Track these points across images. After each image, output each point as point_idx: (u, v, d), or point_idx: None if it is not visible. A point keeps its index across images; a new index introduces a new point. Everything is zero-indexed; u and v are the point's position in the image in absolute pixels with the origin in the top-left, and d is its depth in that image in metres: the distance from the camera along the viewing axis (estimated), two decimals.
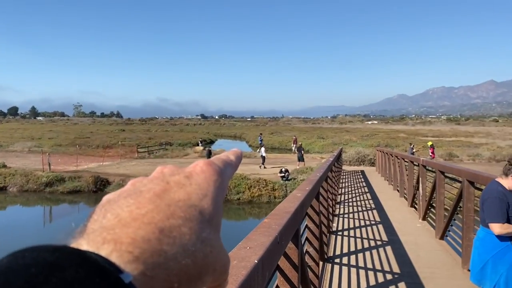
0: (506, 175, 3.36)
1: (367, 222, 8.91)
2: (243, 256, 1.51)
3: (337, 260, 6.04)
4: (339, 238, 7.47)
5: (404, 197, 11.96)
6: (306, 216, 4.40)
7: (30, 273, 0.24)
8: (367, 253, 6.40)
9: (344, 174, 20.73)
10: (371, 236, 7.58)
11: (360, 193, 13.75)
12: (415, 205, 10.21)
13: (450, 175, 7.49)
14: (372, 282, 5.13)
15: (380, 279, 5.23)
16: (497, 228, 3.23)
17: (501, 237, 3.26)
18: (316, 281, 4.28)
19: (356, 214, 9.89)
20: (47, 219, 19.07)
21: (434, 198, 7.92)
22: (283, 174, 21.39)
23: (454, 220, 6.73)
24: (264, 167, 26.04)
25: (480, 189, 5.66)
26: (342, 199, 12.43)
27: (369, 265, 5.79)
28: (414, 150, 30.25)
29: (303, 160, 26.86)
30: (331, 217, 8.17)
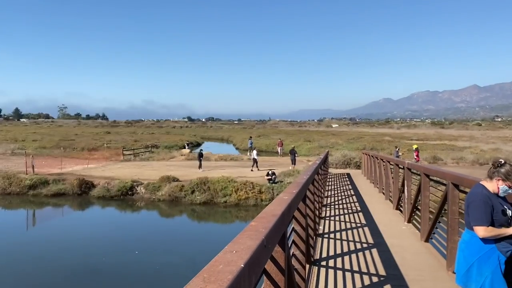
0: (491, 178, 3.39)
1: (353, 225, 8.94)
2: (229, 261, 1.49)
3: (324, 263, 6.04)
4: (325, 240, 7.47)
5: (390, 199, 12.05)
6: (293, 219, 4.39)
7: None
8: (353, 256, 6.42)
9: (331, 176, 20.81)
10: (357, 239, 7.60)
11: (346, 196, 13.81)
12: (400, 208, 10.28)
13: (435, 178, 7.56)
14: (358, 284, 5.14)
15: (366, 281, 5.24)
16: (481, 231, 3.26)
17: (486, 240, 3.29)
18: (302, 284, 4.27)
19: (342, 217, 9.92)
20: (30, 223, 18.73)
21: (419, 201, 7.98)
22: (270, 177, 21.38)
23: (439, 222, 6.78)
24: (258, 169, 26.14)
25: (465, 192, 5.72)
26: (329, 201, 12.47)
27: (355, 268, 5.80)
28: (399, 154, 30.52)
29: (295, 163, 27.08)
30: (317, 219, 8.18)
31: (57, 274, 11.37)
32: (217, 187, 20.52)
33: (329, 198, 13.20)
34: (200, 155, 27.59)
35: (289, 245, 3.82)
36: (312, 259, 6.02)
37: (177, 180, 21.99)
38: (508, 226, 3.28)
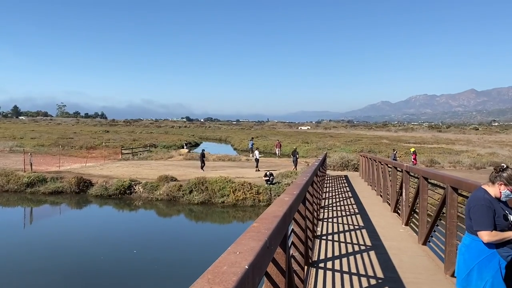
0: (493, 182, 3.39)
1: (351, 227, 8.95)
2: (233, 262, 1.49)
3: (322, 265, 6.05)
4: (323, 242, 7.48)
5: (387, 202, 12.07)
6: (292, 221, 4.40)
7: None
8: (351, 258, 6.43)
9: (328, 178, 20.83)
10: (355, 241, 7.62)
11: (344, 198, 13.83)
12: (398, 211, 10.30)
13: (433, 181, 7.58)
14: (356, 286, 5.14)
15: (364, 283, 5.25)
16: (485, 236, 3.26)
17: (487, 244, 3.30)
18: (301, 285, 4.28)
19: (340, 219, 9.93)
20: (28, 221, 18.68)
21: (417, 203, 8.00)
22: (267, 178, 21.39)
23: (437, 225, 6.80)
24: (258, 170, 26.34)
25: (463, 196, 5.75)
26: (326, 203, 12.49)
27: (353, 270, 5.81)
28: (397, 157, 30.61)
29: (295, 164, 27.20)
30: (315, 221, 8.19)
31: (55, 273, 11.35)
32: (215, 187, 20.52)
33: (327, 200, 13.22)
34: (203, 155, 27.59)
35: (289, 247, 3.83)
36: (310, 261, 6.03)
37: (175, 179, 21.98)
38: (509, 230, 3.29)
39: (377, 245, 7.23)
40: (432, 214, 6.83)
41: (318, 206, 9.69)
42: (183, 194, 20.63)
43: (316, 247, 7.07)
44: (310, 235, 6.29)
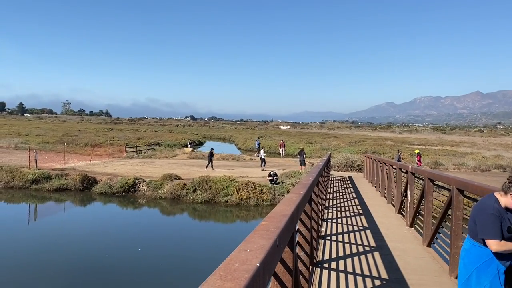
0: (506, 192, 3.36)
1: (355, 228, 8.95)
2: (244, 259, 1.50)
3: (326, 265, 6.05)
4: (327, 242, 7.48)
5: (392, 203, 12.05)
6: (298, 220, 4.40)
7: None
8: (356, 259, 6.42)
9: (332, 179, 20.81)
10: (359, 242, 7.61)
11: (348, 199, 13.81)
12: (403, 212, 10.28)
13: (439, 183, 7.57)
14: (361, 287, 5.15)
15: (369, 284, 5.25)
16: (494, 245, 3.25)
17: (486, 249, 3.31)
18: (306, 285, 4.28)
19: (344, 219, 9.93)
20: (32, 217, 18.77)
21: (422, 205, 7.99)
22: (271, 178, 21.38)
23: (442, 227, 6.78)
24: (262, 169, 26.47)
25: (469, 198, 5.73)
26: (330, 204, 12.48)
27: (358, 271, 5.81)
28: (401, 158, 30.52)
29: (304, 164, 27.20)
30: (320, 221, 8.19)
31: (59, 270, 11.41)
32: (219, 186, 20.54)
33: (331, 201, 13.21)
34: (211, 154, 27.64)
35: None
36: (315, 261, 6.03)
37: (179, 178, 22.02)
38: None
39: (382, 246, 7.22)
40: (437, 216, 6.82)
41: (322, 207, 9.68)
42: (187, 193, 20.68)
43: (321, 247, 7.07)
44: (315, 235, 6.29)
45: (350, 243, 7.50)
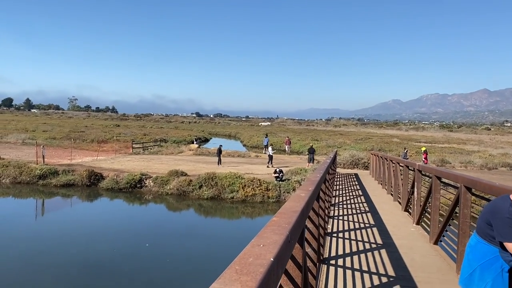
0: None
1: (362, 225, 8.95)
2: (258, 254, 1.52)
3: (333, 262, 6.07)
4: (334, 239, 7.50)
5: (398, 201, 12.04)
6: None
7: None
8: (362, 256, 6.44)
9: (338, 176, 20.79)
10: (365, 239, 7.62)
11: (354, 196, 13.81)
12: (409, 210, 10.27)
13: (446, 181, 7.55)
14: (368, 284, 5.16)
15: (376, 281, 5.26)
16: None
17: (491, 247, 3.31)
18: (313, 282, 4.30)
19: (350, 217, 9.93)
20: (39, 212, 18.94)
21: (429, 203, 7.97)
22: (277, 175, 21.41)
23: (449, 225, 6.78)
24: (269, 166, 26.57)
25: (477, 195, 5.72)
26: (337, 201, 12.48)
27: (364, 268, 5.82)
28: (407, 155, 30.44)
29: (313, 161, 27.25)
30: (326, 218, 8.20)
31: (67, 265, 11.51)
32: (225, 183, 20.60)
33: (337, 198, 13.22)
34: (220, 151, 27.76)
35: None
36: (322, 258, 6.05)
37: (185, 174, 22.11)
38: None
39: (388, 244, 7.22)
40: (444, 214, 6.81)
41: (328, 204, 9.70)
42: (193, 189, 20.76)
43: (327, 244, 7.09)
44: (322, 232, 6.30)
45: (356, 240, 7.51)
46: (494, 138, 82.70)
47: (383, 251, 6.69)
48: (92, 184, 22.29)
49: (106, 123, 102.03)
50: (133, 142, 40.04)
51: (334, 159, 16.80)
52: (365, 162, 28.72)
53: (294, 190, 20.31)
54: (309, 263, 4.31)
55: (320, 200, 5.42)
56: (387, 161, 15.03)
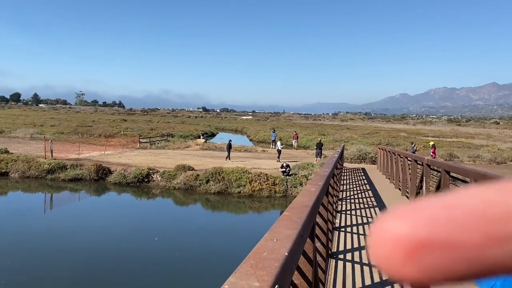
0: None
1: (369, 219, 8.94)
2: (272, 248, 1.52)
3: (341, 256, 6.08)
4: (342, 234, 7.50)
5: (406, 196, 12.00)
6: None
7: None
8: None
9: (346, 171, 20.75)
10: None
11: (362, 191, 13.78)
12: None
13: (455, 175, 7.50)
14: (376, 279, 5.17)
15: (384, 276, 5.25)
16: None
17: None
18: (322, 276, 4.31)
19: (358, 211, 9.92)
20: (48, 206, 19.11)
21: None
22: (284, 169, 21.40)
23: None
24: (279, 161, 26.63)
25: None
26: (344, 195, 12.47)
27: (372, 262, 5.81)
28: (415, 149, 30.27)
29: (320, 156, 27.22)
30: (334, 213, 8.20)
31: (76, 258, 11.61)
32: (232, 177, 20.63)
33: (344, 192, 13.19)
34: (229, 146, 27.82)
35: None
36: (330, 252, 6.05)
37: (192, 169, 22.17)
38: None
39: None
40: None
41: (336, 198, 9.69)
42: (200, 184, 20.82)
43: (335, 238, 7.09)
44: (330, 227, 6.30)
45: (364, 235, 7.50)
46: (503, 132, 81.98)
47: None
48: (100, 178, 22.42)
49: (113, 117, 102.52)
50: (140, 137, 40.19)
51: (341, 154, 16.76)
52: (372, 156, 28.62)
53: (301, 184, 20.30)
54: (318, 258, 4.31)
55: (329, 195, 5.42)
56: (395, 155, 14.97)
